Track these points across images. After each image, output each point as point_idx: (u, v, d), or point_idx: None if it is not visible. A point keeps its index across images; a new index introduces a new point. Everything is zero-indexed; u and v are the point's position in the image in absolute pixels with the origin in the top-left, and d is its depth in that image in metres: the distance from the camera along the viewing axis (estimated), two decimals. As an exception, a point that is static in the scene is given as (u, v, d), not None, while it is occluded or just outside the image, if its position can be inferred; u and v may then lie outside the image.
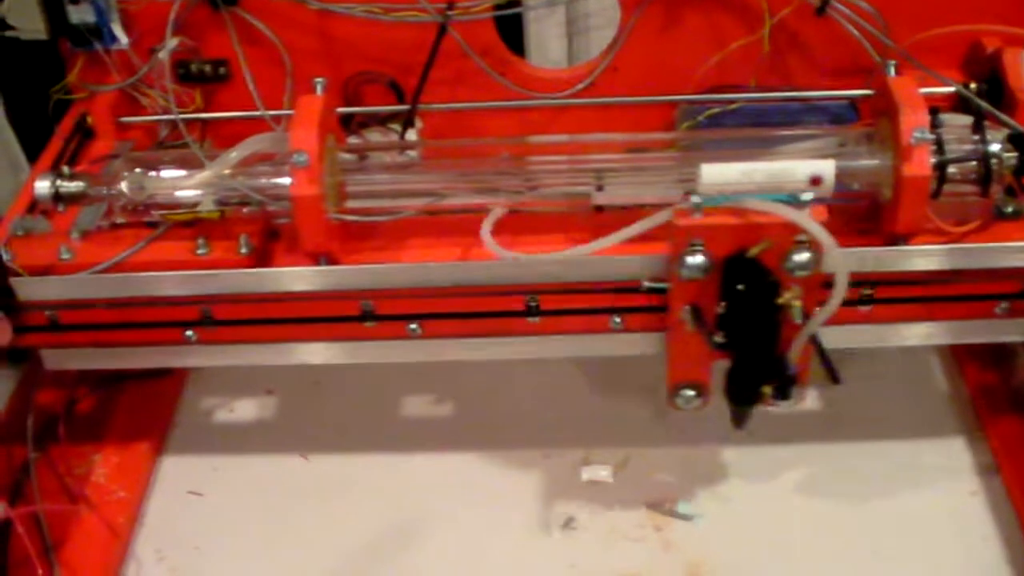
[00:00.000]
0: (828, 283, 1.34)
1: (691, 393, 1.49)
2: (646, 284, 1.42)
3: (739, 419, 1.47)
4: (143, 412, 1.81)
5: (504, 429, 1.78)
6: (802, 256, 1.32)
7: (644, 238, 1.38)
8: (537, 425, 1.79)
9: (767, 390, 1.41)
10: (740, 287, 1.33)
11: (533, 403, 1.83)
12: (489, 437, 1.77)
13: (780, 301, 1.33)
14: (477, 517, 1.66)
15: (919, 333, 1.52)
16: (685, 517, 1.64)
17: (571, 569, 1.59)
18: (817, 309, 1.35)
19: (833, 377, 1.39)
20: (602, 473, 1.71)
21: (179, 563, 1.63)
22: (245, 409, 1.86)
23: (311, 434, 1.78)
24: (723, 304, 1.36)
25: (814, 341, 1.38)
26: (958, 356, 1.84)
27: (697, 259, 1.33)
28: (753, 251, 1.32)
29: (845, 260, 1.31)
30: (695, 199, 1.32)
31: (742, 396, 1.43)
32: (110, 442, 1.75)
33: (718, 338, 1.38)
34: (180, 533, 1.67)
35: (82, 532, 1.62)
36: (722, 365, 1.43)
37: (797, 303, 1.33)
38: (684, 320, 1.40)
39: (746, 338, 1.38)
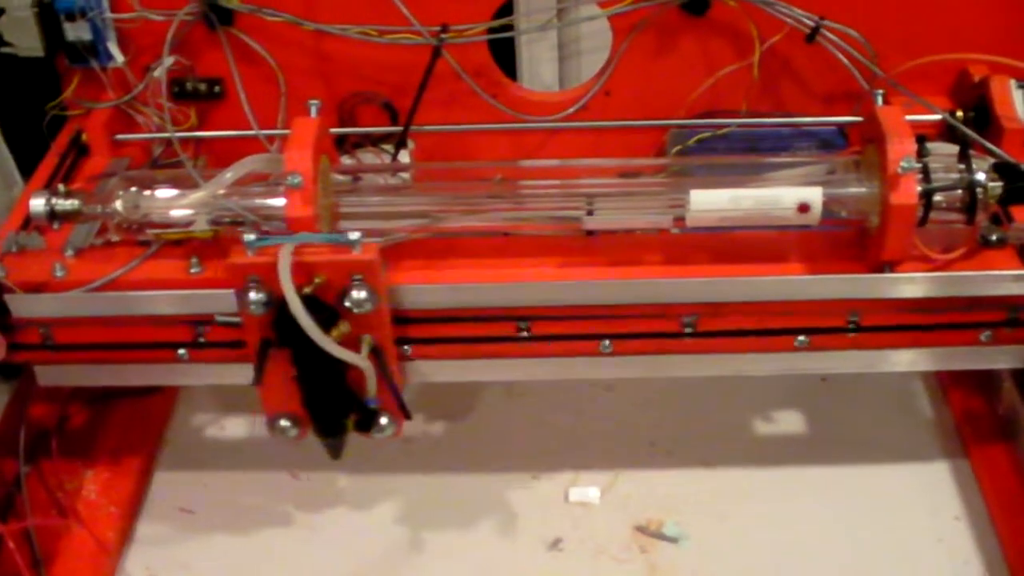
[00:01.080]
0: (404, 319, 1.42)
1: (287, 424, 1.49)
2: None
3: (332, 450, 1.50)
4: (134, 429, 1.82)
5: (492, 450, 1.78)
6: (360, 293, 1.35)
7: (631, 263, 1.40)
8: (525, 446, 1.80)
9: (350, 422, 1.45)
10: (289, 323, 1.33)
11: (521, 424, 1.84)
12: (477, 458, 1.77)
13: (330, 337, 1.34)
14: (465, 537, 1.67)
15: (905, 359, 1.53)
16: (672, 539, 1.65)
17: (559, 590, 1.60)
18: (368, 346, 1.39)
19: (404, 413, 1.45)
20: (590, 494, 1.71)
21: (169, 580, 1.64)
22: (236, 427, 1.86)
23: (301, 452, 1.77)
24: (280, 340, 1.38)
25: (383, 375, 1.41)
26: (943, 382, 1.85)
27: (255, 295, 1.35)
28: (307, 288, 1.34)
29: (304, 315, 1.31)
30: (248, 237, 1.34)
31: (323, 428, 1.47)
32: (101, 458, 1.76)
33: (293, 372, 1.41)
34: (170, 550, 1.67)
35: (72, 548, 1.62)
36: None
37: (366, 338, 1.38)
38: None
39: (308, 373, 1.40)
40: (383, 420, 1.47)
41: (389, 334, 1.42)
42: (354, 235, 1.34)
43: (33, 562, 1.56)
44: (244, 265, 1.35)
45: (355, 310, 1.36)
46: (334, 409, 1.44)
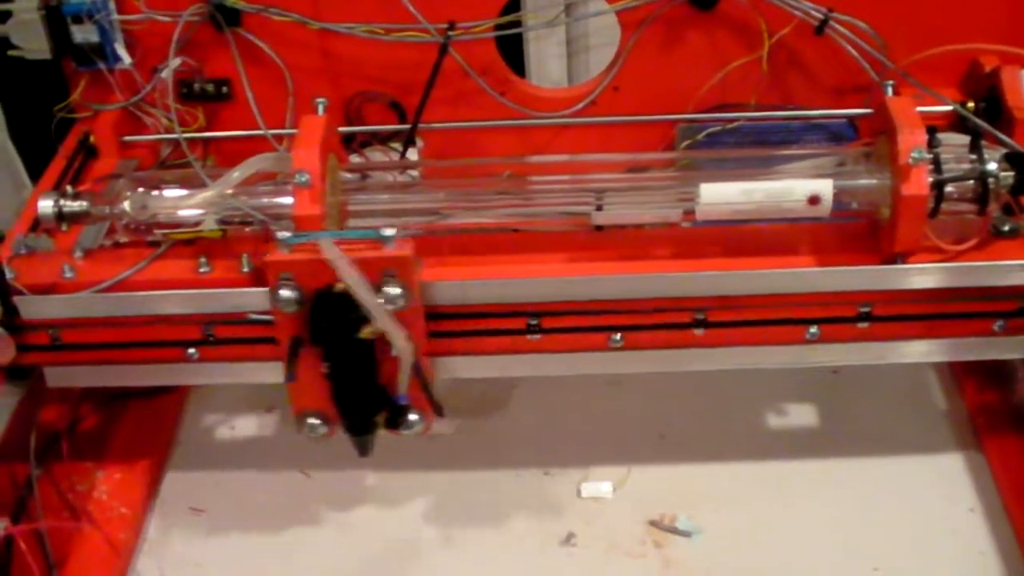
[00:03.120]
0: (439, 314, 1.41)
1: (316, 422, 1.49)
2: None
3: (361, 448, 1.50)
4: (145, 429, 1.82)
5: (505, 446, 1.78)
6: (392, 290, 1.35)
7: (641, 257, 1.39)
8: (538, 442, 1.79)
9: (379, 420, 1.45)
10: (323, 321, 1.35)
11: (534, 420, 1.84)
12: (489, 454, 1.77)
13: (361, 335, 1.35)
14: (478, 534, 1.67)
15: (917, 350, 1.53)
16: (685, 533, 1.64)
17: (572, 585, 1.60)
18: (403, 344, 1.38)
19: (436, 410, 1.45)
20: (603, 489, 1.71)
21: (181, 580, 1.64)
22: (246, 426, 1.87)
23: (312, 451, 1.77)
24: (313, 337, 1.38)
25: (416, 372, 1.41)
26: (956, 373, 1.84)
27: (288, 293, 1.36)
28: (339, 285, 1.34)
29: (374, 303, 1.33)
30: (282, 235, 1.35)
31: (353, 426, 1.47)
32: (112, 459, 1.76)
33: (323, 369, 1.41)
34: (182, 550, 1.67)
35: (84, 549, 1.62)
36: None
37: (403, 333, 1.37)
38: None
39: (340, 370, 1.40)
40: (412, 417, 1.46)
41: (422, 330, 1.41)
42: (388, 231, 1.34)
43: (46, 565, 1.55)
44: (279, 262, 1.35)
45: (387, 306, 1.35)
46: (365, 406, 1.44)
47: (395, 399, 1.43)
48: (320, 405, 1.47)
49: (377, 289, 1.35)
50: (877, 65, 1.62)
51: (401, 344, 1.36)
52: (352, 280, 1.32)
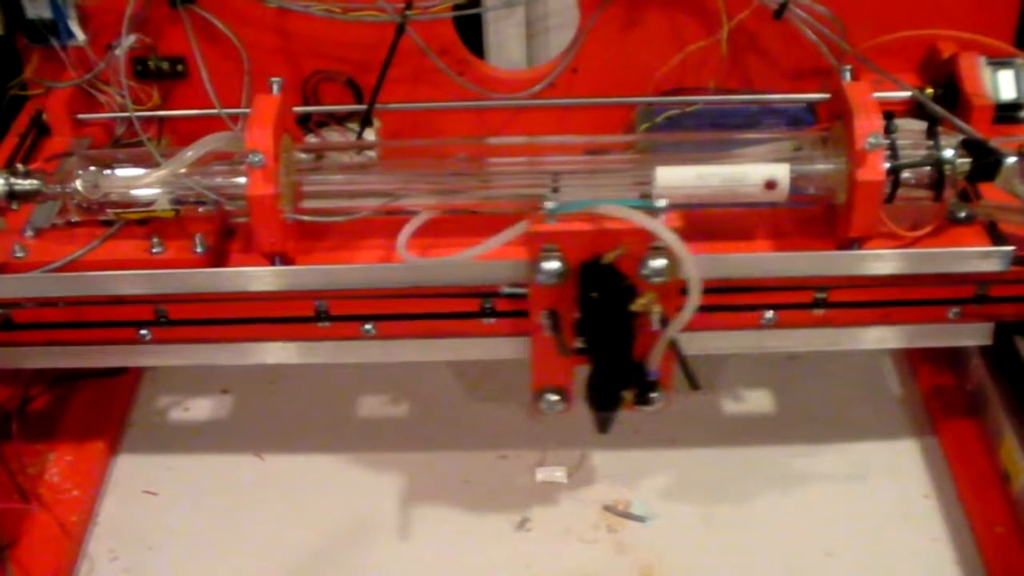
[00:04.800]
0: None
1: (554, 397, 1.49)
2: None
3: (602, 424, 1.49)
4: (97, 411, 1.80)
5: (460, 430, 1.78)
6: (658, 262, 1.32)
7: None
8: (493, 426, 1.79)
9: (628, 395, 1.43)
10: (593, 293, 1.34)
11: (489, 404, 1.83)
12: (444, 438, 1.77)
13: (633, 307, 1.34)
14: (431, 517, 1.67)
15: (873, 337, 1.54)
16: (639, 518, 1.65)
17: (526, 570, 1.60)
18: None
19: (693, 383, 1.40)
20: (557, 474, 1.71)
21: (133, 563, 1.62)
22: (200, 408, 1.86)
23: (266, 434, 1.78)
24: (579, 309, 1.37)
25: (674, 347, 1.39)
26: (911, 359, 1.85)
27: (552, 265, 1.34)
28: (608, 257, 1.33)
29: (697, 266, 1.30)
30: (549, 204, 1.33)
31: (603, 401, 1.45)
32: (64, 441, 1.75)
33: (577, 343, 1.40)
34: (134, 532, 1.66)
35: (35, 531, 1.61)
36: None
37: (655, 309, 1.34)
38: (543, 325, 1.40)
39: (602, 344, 1.39)
40: (655, 394, 1.44)
41: (676, 305, 1.37)
42: (661, 202, 1.32)
43: (-4, 546, 1.55)
44: (545, 233, 1.33)
45: (653, 279, 1.33)
46: (620, 380, 1.42)
47: (647, 374, 1.41)
48: (560, 380, 1.46)
49: (643, 262, 1.33)
50: (836, 49, 1.62)
51: (690, 313, 1.33)
52: (673, 242, 1.29)
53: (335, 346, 1.54)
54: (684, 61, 1.72)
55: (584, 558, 1.61)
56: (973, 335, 1.54)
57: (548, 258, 1.34)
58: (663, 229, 1.29)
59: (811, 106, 1.71)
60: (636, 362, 1.40)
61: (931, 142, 1.42)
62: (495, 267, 1.42)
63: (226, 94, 1.67)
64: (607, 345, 1.39)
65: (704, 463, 1.72)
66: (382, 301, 1.47)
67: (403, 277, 1.44)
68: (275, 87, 1.49)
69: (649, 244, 1.32)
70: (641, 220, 1.29)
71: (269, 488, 1.72)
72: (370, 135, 1.70)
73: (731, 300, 1.47)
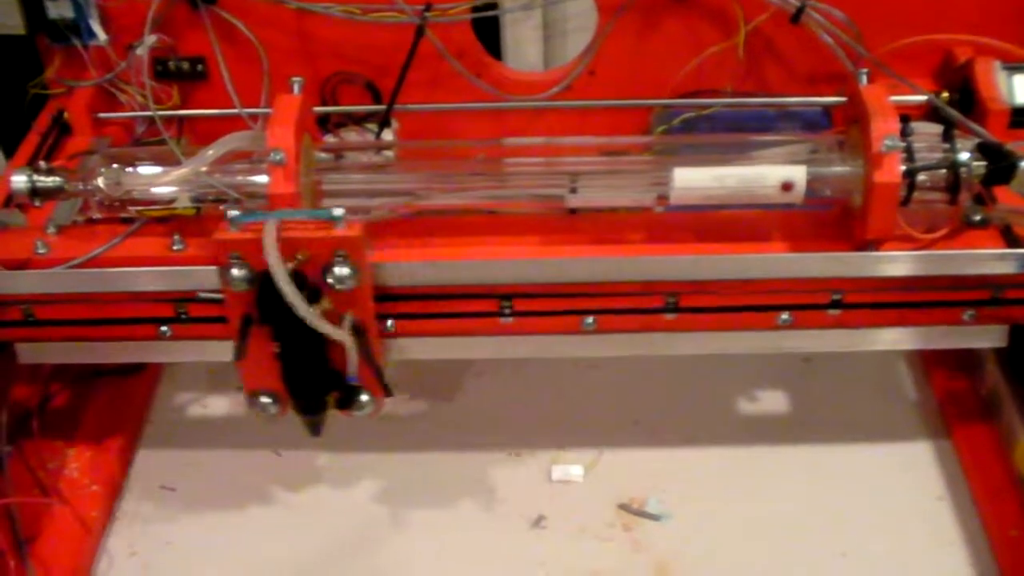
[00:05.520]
0: (387, 296, 1.40)
1: (267, 400, 1.49)
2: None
3: (311, 428, 1.50)
4: (117, 407, 1.82)
5: (475, 428, 1.79)
6: (342, 270, 1.34)
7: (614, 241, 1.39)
8: (508, 425, 1.80)
9: (330, 399, 1.45)
10: (271, 299, 1.34)
11: (505, 402, 1.84)
12: (460, 436, 1.78)
13: (304, 315, 1.34)
14: (448, 515, 1.68)
15: (888, 338, 1.54)
16: (654, 517, 1.65)
17: (541, 568, 1.61)
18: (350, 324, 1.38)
19: (384, 390, 1.44)
20: (573, 473, 1.72)
21: (151, 558, 1.64)
22: (218, 405, 1.87)
23: (284, 431, 1.77)
24: (262, 316, 1.38)
25: (365, 354, 1.40)
26: (926, 362, 1.86)
27: (238, 272, 1.34)
28: (290, 264, 1.33)
29: (288, 287, 1.31)
30: (231, 214, 1.33)
31: (304, 405, 1.47)
32: (84, 437, 1.76)
33: (275, 348, 1.40)
34: (153, 528, 1.68)
35: (55, 526, 1.62)
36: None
37: (348, 316, 1.37)
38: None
39: (290, 350, 1.40)
40: (363, 398, 1.46)
41: (371, 311, 1.41)
42: (338, 211, 1.34)
43: (16, 541, 1.56)
44: (228, 241, 1.34)
45: (337, 287, 1.35)
46: (315, 386, 1.44)
47: (346, 379, 1.42)
48: (272, 384, 1.46)
49: (327, 269, 1.34)
50: (852, 54, 1.63)
51: (327, 330, 1.35)
52: (275, 267, 1.30)
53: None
54: (701, 65, 1.73)
55: (599, 556, 1.61)
56: (988, 337, 1.54)
57: (235, 265, 1.34)
58: (267, 237, 1.30)
59: (827, 111, 1.72)
60: (332, 368, 1.42)
61: (947, 145, 1.43)
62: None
63: (246, 95, 1.68)
64: (294, 351, 1.40)
65: (719, 463, 1.73)
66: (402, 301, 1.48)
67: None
68: (296, 87, 1.50)
69: (333, 251, 1.34)
70: (265, 231, 1.31)
71: (286, 484, 1.73)
72: (388, 136, 1.71)
73: (747, 301, 1.47)
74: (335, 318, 1.37)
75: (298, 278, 1.33)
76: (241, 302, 1.38)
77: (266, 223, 1.32)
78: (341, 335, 1.36)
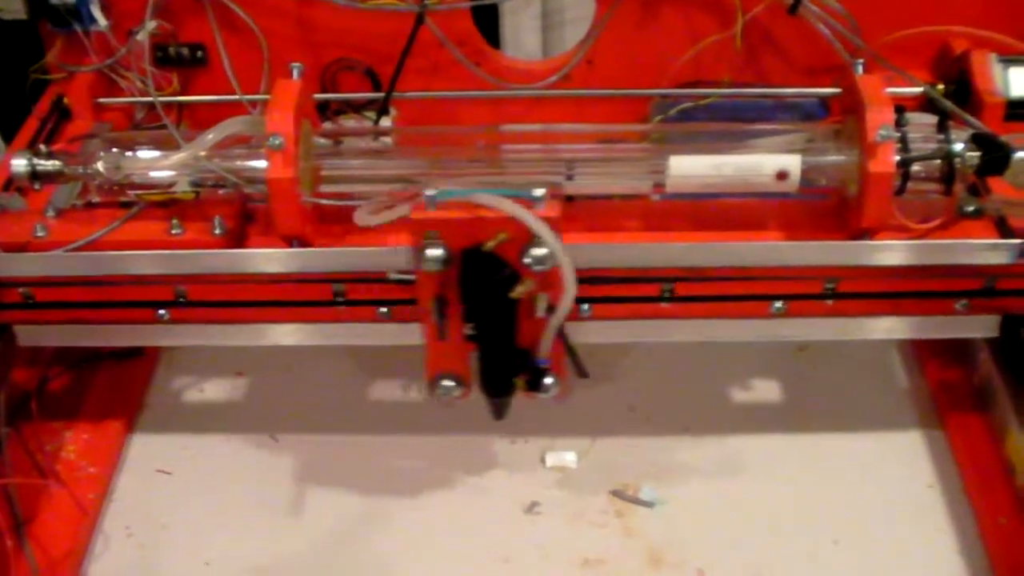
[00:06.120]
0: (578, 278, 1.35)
1: (450, 384, 1.49)
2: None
3: (497, 410, 1.50)
4: (115, 391, 1.83)
5: (471, 414, 1.79)
6: (539, 251, 1.32)
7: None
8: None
9: (519, 382, 1.44)
10: (473, 280, 1.35)
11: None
12: (456, 422, 1.78)
13: (513, 295, 1.34)
14: (443, 500, 1.69)
15: (881, 327, 1.55)
16: (648, 504, 1.66)
17: (535, 552, 1.61)
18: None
19: (580, 371, 1.42)
20: (567, 459, 1.73)
21: (147, 540, 1.64)
22: (216, 390, 1.87)
23: (281, 416, 1.80)
24: (462, 297, 1.38)
25: (561, 335, 1.40)
26: (919, 352, 1.87)
27: (436, 252, 1.33)
28: (489, 244, 1.33)
29: (567, 256, 1.31)
30: (429, 192, 1.33)
31: (494, 388, 1.47)
32: (81, 419, 1.77)
33: (466, 330, 1.40)
34: (149, 510, 1.68)
35: (52, 507, 1.63)
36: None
37: (541, 297, 1.35)
38: (431, 312, 1.41)
39: (487, 331, 1.40)
40: (549, 380, 1.45)
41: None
42: (539, 191, 1.32)
43: (14, 522, 1.57)
44: (426, 220, 1.33)
45: (536, 267, 1.33)
46: (508, 368, 1.43)
47: (536, 361, 1.42)
48: (455, 367, 1.47)
49: (526, 249, 1.32)
50: (849, 45, 1.64)
51: (569, 301, 1.34)
52: (544, 233, 1.29)
53: (350, 329, 1.55)
54: (699, 55, 1.74)
55: (593, 542, 1.62)
56: (980, 327, 1.55)
57: (431, 245, 1.34)
58: (530, 217, 1.29)
59: (824, 102, 1.73)
60: (523, 349, 1.41)
61: (942, 136, 1.44)
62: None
63: (245, 82, 1.69)
64: (491, 332, 1.40)
65: (712, 450, 1.74)
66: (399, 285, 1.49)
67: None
68: (295, 72, 1.51)
69: (532, 232, 1.33)
70: (510, 209, 1.30)
71: (282, 469, 1.73)
72: (387, 124, 1.72)
73: (742, 288, 1.48)
74: (528, 302, 1.36)
75: (496, 259, 1.33)
76: (433, 283, 1.38)
77: (503, 201, 1.30)
78: (568, 305, 1.35)
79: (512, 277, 1.33)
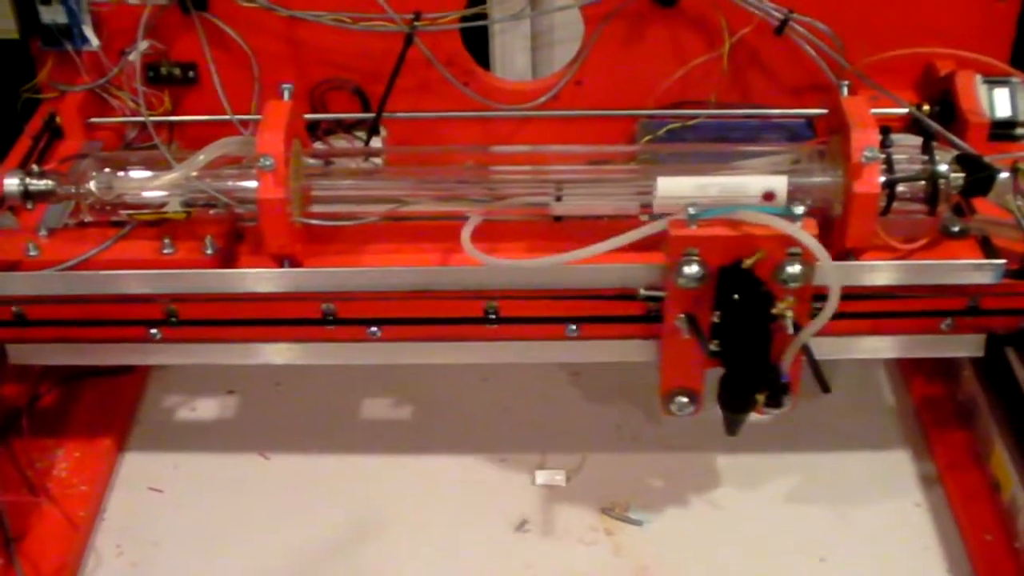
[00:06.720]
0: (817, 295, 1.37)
1: (684, 400, 1.51)
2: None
3: (732, 426, 1.50)
4: (106, 408, 1.83)
5: (461, 432, 1.80)
6: (795, 268, 1.35)
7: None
8: (493, 429, 1.81)
9: (760, 398, 1.44)
10: (735, 297, 1.36)
11: (490, 407, 1.85)
12: (446, 440, 1.79)
13: (775, 311, 1.36)
14: (433, 518, 1.69)
15: (867, 347, 1.56)
16: (636, 522, 1.67)
17: (524, 570, 1.62)
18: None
19: (823, 386, 1.42)
20: (556, 477, 1.73)
21: (138, 558, 1.64)
22: (207, 408, 1.88)
23: (271, 434, 1.80)
24: (718, 313, 1.39)
25: (806, 351, 1.41)
26: (904, 370, 1.88)
27: (693, 269, 1.36)
28: (748, 262, 1.35)
29: (838, 273, 1.34)
30: (691, 210, 1.34)
31: (736, 404, 1.46)
32: (72, 437, 1.77)
33: (713, 346, 1.41)
34: (140, 528, 1.68)
35: (43, 525, 1.63)
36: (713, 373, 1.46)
37: (790, 314, 1.37)
38: (679, 328, 1.42)
39: (740, 347, 1.41)
40: (786, 396, 1.45)
41: (808, 310, 1.41)
42: (799, 209, 1.35)
43: (4, 539, 1.57)
44: (685, 237, 1.35)
45: (790, 284, 1.35)
46: (753, 383, 1.43)
47: (780, 377, 1.43)
48: (690, 383, 1.49)
49: (780, 267, 1.35)
50: (835, 66, 1.65)
51: (826, 318, 1.36)
52: (821, 254, 1.32)
53: (340, 348, 1.56)
54: (686, 75, 1.75)
55: (582, 560, 1.62)
56: (965, 346, 1.57)
57: (689, 262, 1.36)
58: (806, 237, 1.32)
59: (810, 122, 1.74)
60: (770, 365, 1.42)
61: (926, 157, 1.45)
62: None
63: (236, 101, 1.70)
64: (745, 348, 1.41)
65: (701, 469, 1.74)
66: (388, 304, 1.50)
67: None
68: (286, 93, 1.52)
69: (786, 250, 1.34)
70: (785, 227, 1.32)
71: (273, 487, 1.74)
72: (377, 144, 1.73)
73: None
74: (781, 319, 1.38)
75: (753, 277, 1.36)
76: (685, 299, 1.40)
77: (770, 218, 1.33)
78: (819, 322, 1.37)
79: (768, 294, 1.36)
